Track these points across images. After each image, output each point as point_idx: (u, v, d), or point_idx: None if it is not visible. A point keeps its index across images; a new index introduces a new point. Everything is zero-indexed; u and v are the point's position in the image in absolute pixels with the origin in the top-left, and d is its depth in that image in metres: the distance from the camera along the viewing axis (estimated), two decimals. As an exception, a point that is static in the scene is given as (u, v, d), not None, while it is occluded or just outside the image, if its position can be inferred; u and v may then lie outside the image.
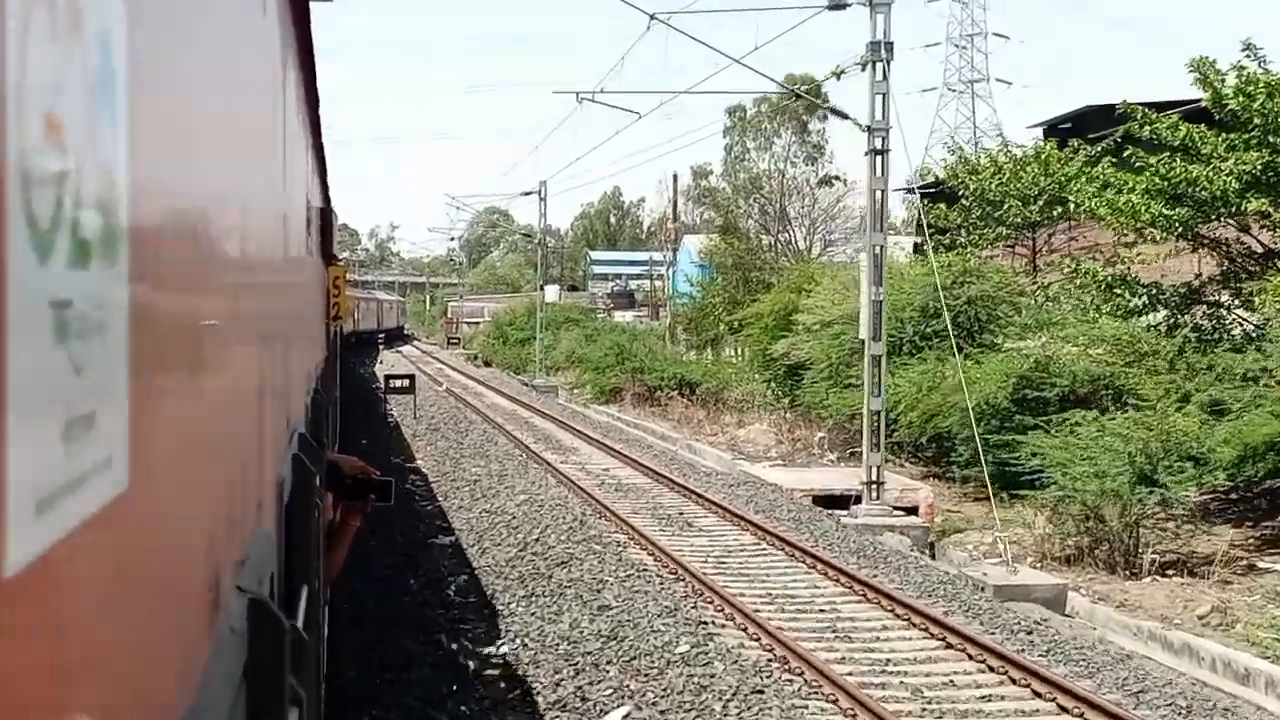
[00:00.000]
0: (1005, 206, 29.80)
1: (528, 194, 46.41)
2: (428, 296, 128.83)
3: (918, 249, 34.50)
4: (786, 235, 46.61)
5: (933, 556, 17.51)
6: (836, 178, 45.70)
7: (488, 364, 66.21)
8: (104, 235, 0.93)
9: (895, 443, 23.44)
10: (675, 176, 70.07)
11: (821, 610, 12.34)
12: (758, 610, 11.92)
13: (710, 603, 12.32)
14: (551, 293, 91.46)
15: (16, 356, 0.72)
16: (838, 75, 20.77)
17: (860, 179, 23.00)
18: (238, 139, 2.17)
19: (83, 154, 0.87)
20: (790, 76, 45.73)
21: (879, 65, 19.06)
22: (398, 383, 30.16)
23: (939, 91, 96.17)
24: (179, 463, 1.37)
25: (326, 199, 9.86)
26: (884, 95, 19.18)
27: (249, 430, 2.29)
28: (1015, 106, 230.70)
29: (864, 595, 12.75)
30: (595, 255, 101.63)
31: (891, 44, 19.01)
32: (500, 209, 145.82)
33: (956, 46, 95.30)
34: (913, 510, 19.07)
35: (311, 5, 4.65)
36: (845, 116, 20.69)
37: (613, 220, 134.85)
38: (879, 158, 19.36)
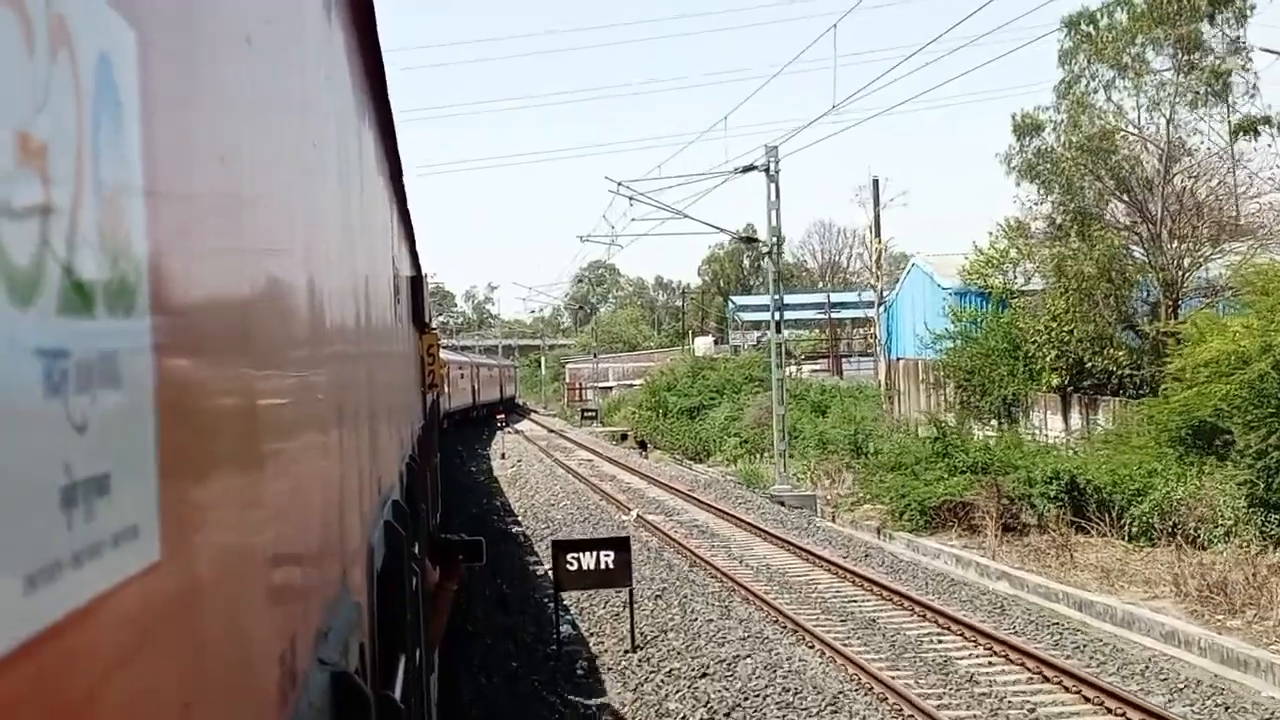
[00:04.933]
0: None
1: (750, 169, 28.21)
2: (543, 359, 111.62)
3: None
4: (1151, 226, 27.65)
5: None
6: (1266, 120, 26.64)
7: (643, 445, 47.74)
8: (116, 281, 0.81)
9: None
10: (876, 182, 51.45)
11: None
12: None
13: None
14: (704, 345, 72.95)
15: None
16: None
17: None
18: (298, 190, 2.01)
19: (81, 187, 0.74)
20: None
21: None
22: (589, 559, 11.94)
23: None
24: (227, 531, 1.22)
25: (416, 266, 9.67)
26: None
27: (324, 498, 2.06)
28: None
29: None
30: (740, 301, 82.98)
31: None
32: (608, 264, 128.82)
33: None
34: None
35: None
36: None
37: (746, 263, 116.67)
38: None
